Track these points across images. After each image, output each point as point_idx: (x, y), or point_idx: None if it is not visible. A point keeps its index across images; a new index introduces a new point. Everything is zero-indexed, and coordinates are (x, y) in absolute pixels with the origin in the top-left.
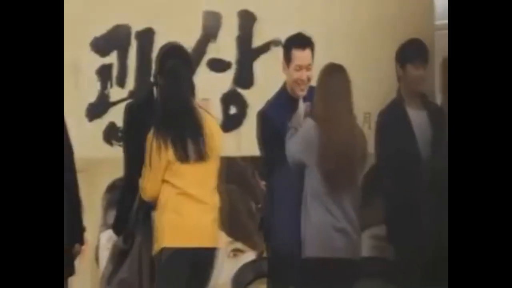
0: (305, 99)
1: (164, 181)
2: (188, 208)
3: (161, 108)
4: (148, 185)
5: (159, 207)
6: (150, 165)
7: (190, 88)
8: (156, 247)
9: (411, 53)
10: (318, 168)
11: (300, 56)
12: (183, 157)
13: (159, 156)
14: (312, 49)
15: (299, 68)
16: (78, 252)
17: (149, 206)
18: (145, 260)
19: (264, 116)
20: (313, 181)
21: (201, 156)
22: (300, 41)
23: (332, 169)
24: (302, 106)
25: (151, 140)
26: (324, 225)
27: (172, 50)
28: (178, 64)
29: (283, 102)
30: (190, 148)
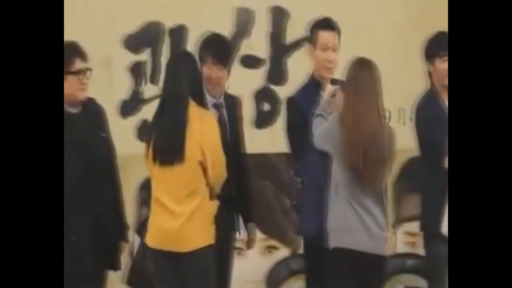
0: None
1: None
2: (157, 212)
3: (158, 104)
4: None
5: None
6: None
7: (190, 86)
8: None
9: (439, 46)
10: (342, 162)
11: (326, 36)
12: (153, 159)
13: (147, 151)
14: (339, 34)
15: (326, 47)
16: (123, 249)
17: None
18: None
19: (292, 102)
20: (337, 173)
21: (171, 161)
22: (326, 23)
23: (356, 165)
24: (329, 89)
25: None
26: (346, 217)
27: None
28: (182, 56)
29: (311, 88)
30: (163, 150)
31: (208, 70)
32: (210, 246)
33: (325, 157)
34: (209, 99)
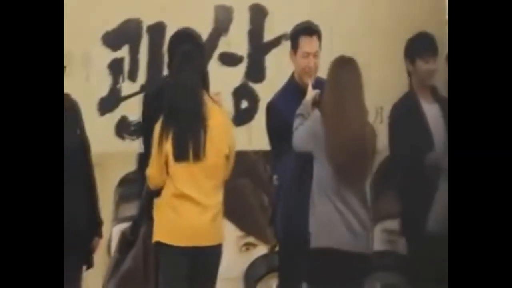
0: (314, 88)
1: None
2: (183, 208)
3: (168, 98)
4: (151, 173)
5: (160, 199)
6: (155, 153)
7: (201, 80)
8: (153, 238)
9: (419, 47)
10: (325, 161)
11: (307, 43)
12: (180, 156)
13: (161, 147)
14: (319, 38)
15: (307, 55)
16: (96, 246)
17: (153, 196)
18: (150, 249)
19: (272, 107)
20: (320, 173)
21: (198, 156)
22: (307, 29)
23: (340, 163)
24: (311, 93)
25: (158, 129)
26: (329, 217)
27: (184, 36)
28: (190, 53)
29: (292, 92)
30: (189, 146)
31: None
32: (222, 243)
33: (305, 156)
34: None
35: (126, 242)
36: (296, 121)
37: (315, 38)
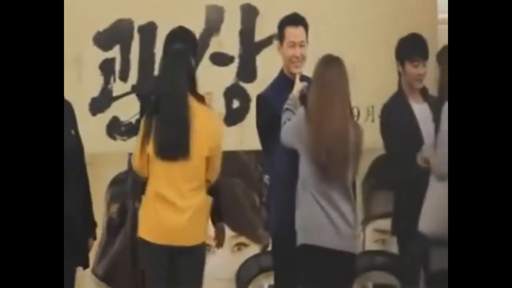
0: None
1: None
2: (161, 207)
3: (154, 97)
4: (135, 165)
5: (146, 196)
6: (138, 149)
7: (189, 80)
8: (138, 233)
9: (409, 50)
10: (309, 158)
11: (293, 32)
12: (159, 155)
13: (144, 146)
14: (306, 28)
15: (293, 44)
16: (91, 247)
17: (141, 183)
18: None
19: (262, 99)
20: (304, 170)
21: (177, 156)
22: (293, 19)
23: (322, 161)
24: (298, 86)
25: (142, 126)
26: (313, 215)
27: (178, 34)
28: (178, 52)
29: (281, 85)
30: (170, 146)
31: None
32: (205, 243)
33: (293, 153)
34: None
35: (114, 224)
36: (284, 116)
37: (300, 28)
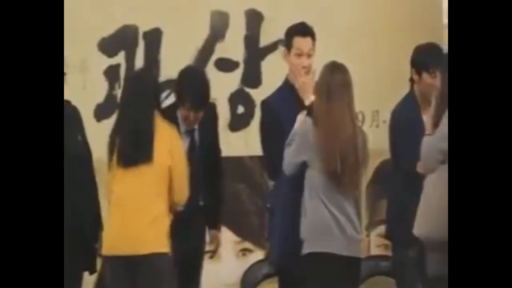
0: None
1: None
2: (117, 216)
3: (120, 111)
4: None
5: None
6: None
7: (153, 98)
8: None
9: (428, 60)
10: (319, 166)
11: (301, 42)
12: (122, 160)
13: (110, 154)
14: (313, 39)
15: (300, 53)
16: (98, 252)
17: None
18: None
19: (266, 104)
20: (312, 180)
21: (144, 159)
22: (301, 29)
23: (335, 169)
24: (300, 121)
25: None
26: (323, 223)
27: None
28: (139, 76)
29: (286, 92)
30: (133, 150)
31: (186, 113)
32: (166, 254)
33: (297, 170)
34: (183, 127)
35: None
36: (287, 151)
37: (308, 38)
